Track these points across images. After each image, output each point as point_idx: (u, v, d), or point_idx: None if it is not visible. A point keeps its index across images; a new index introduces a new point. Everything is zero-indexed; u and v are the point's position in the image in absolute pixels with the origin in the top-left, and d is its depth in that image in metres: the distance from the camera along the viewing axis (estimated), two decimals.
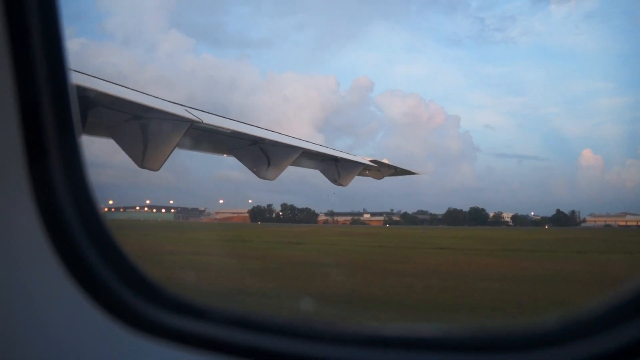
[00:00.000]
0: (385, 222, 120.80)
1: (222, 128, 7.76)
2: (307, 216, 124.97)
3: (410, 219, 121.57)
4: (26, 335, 1.58)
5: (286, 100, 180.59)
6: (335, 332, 1.66)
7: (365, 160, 11.29)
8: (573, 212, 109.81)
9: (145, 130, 6.44)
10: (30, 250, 1.61)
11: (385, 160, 11.91)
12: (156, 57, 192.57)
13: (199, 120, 6.71)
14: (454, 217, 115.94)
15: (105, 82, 5.83)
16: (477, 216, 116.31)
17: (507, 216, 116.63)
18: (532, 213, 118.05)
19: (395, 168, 12.23)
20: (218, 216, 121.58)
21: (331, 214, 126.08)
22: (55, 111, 1.68)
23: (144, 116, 6.37)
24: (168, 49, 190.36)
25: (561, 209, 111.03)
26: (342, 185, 11.05)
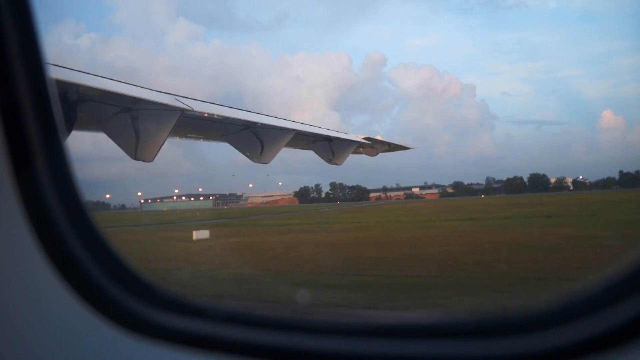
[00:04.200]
0: (441, 195, 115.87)
1: (213, 115, 7.77)
2: (359, 194, 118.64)
3: (464, 190, 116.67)
4: (16, 338, 1.55)
5: (299, 80, 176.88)
6: (334, 324, 1.64)
7: (358, 137, 11.32)
8: (637, 172, 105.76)
9: (136, 122, 6.45)
10: (19, 251, 1.59)
11: (378, 137, 11.95)
12: (166, 47, 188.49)
13: (189, 108, 6.71)
14: (514, 185, 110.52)
15: (93, 76, 5.81)
16: (538, 183, 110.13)
17: (568, 181, 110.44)
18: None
19: (389, 144, 12.27)
20: (255, 200, 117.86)
21: (384, 190, 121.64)
22: (36, 110, 1.63)
23: (134, 108, 6.37)
24: (177, 38, 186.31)
25: (622, 170, 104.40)
26: (337, 164, 11.09)
